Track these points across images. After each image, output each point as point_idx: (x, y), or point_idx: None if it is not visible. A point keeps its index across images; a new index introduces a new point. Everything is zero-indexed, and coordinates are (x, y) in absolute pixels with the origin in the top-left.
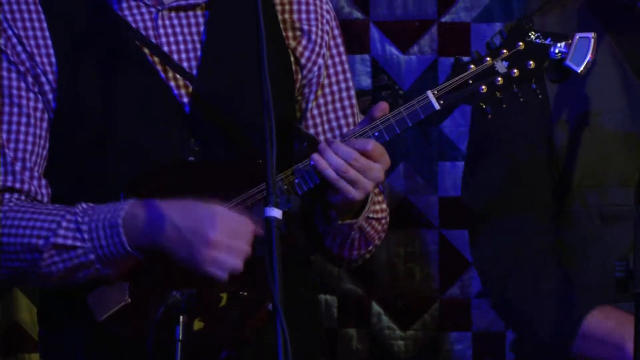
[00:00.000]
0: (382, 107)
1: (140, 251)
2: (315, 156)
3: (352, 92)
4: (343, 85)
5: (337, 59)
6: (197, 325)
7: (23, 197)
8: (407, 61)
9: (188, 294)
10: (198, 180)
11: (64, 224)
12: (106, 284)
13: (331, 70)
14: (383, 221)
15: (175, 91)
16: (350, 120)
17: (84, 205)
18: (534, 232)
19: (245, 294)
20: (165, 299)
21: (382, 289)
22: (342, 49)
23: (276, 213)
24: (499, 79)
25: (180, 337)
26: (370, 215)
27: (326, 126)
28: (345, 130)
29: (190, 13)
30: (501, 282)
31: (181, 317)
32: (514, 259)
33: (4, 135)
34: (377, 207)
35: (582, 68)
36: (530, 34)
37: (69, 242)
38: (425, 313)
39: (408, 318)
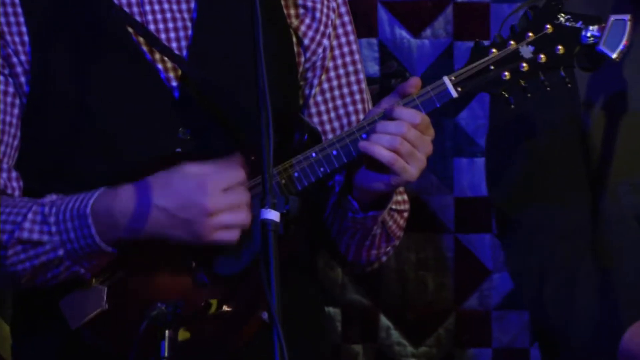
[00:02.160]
0: (415, 82)
1: (119, 246)
2: (363, 144)
3: (362, 76)
4: (351, 68)
5: (343, 40)
6: (183, 335)
7: None
8: (419, 46)
9: (174, 305)
10: None
11: (30, 216)
12: (81, 287)
13: (337, 52)
14: (405, 214)
15: (163, 75)
16: (360, 107)
17: (54, 196)
18: (569, 228)
19: (236, 300)
20: (149, 311)
21: (391, 299)
22: (349, 28)
23: (273, 215)
24: (524, 65)
25: (166, 354)
26: (393, 206)
27: (332, 114)
28: (353, 118)
29: None
30: (536, 284)
31: (167, 331)
32: (550, 258)
33: None
34: (399, 197)
35: (616, 54)
36: (559, 16)
37: (35, 236)
38: (440, 327)
39: (420, 333)
